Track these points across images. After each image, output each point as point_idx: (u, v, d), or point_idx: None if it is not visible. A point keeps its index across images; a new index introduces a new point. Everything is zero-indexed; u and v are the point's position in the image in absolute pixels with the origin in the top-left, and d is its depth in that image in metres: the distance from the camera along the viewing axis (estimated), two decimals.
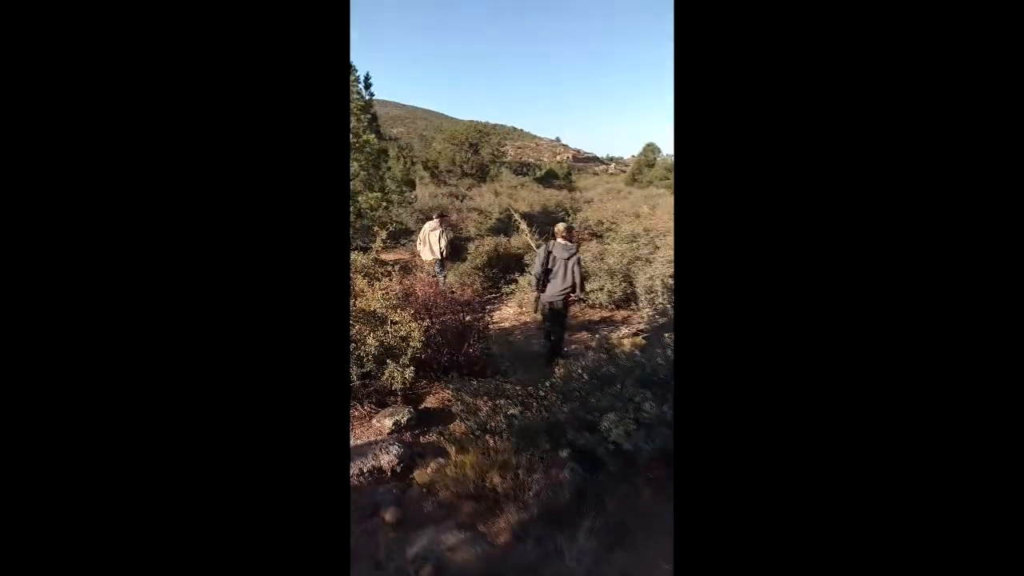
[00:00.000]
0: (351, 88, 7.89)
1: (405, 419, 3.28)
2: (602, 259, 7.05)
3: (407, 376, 3.26)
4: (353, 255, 3.76)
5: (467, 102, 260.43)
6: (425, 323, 3.36)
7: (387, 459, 2.73)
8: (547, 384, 2.88)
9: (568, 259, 4.42)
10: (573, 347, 5.55)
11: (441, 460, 2.79)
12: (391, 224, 7.57)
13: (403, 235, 8.97)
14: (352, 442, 2.93)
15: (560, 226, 4.65)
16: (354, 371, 3.37)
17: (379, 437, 3.08)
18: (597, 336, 5.55)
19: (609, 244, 7.60)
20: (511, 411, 2.65)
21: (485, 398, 2.72)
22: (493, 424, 2.52)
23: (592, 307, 7.04)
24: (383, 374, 3.42)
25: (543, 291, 4.52)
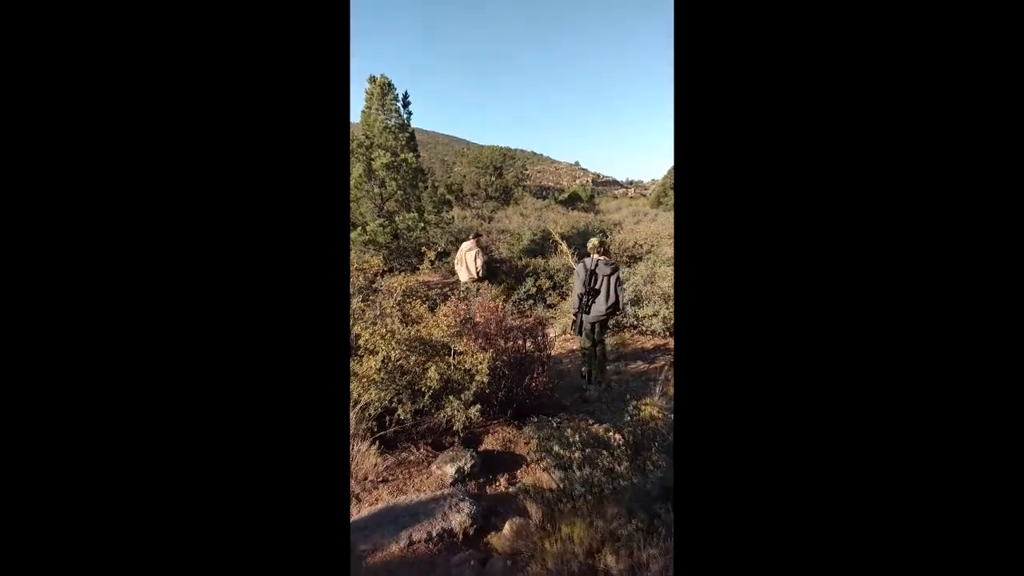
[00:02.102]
0: (391, 108, 7.67)
1: (468, 466, 2.83)
2: (652, 282, 6.59)
3: (472, 415, 2.82)
4: (398, 277, 3.38)
5: (486, 127, 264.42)
6: (489, 353, 2.93)
7: (458, 519, 2.27)
8: (638, 430, 2.42)
9: (610, 276, 4.17)
10: (630, 378, 5.07)
11: (519, 519, 2.33)
12: (433, 245, 7.21)
13: (436, 257, 8.64)
14: (414, 497, 2.49)
15: (595, 241, 4.32)
16: (408, 407, 2.95)
17: (442, 489, 2.63)
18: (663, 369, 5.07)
19: (657, 267, 7.13)
20: (609, 462, 2.19)
21: (577, 446, 2.26)
22: (595, 480, 2.06)
23: (643, 334, 6.56)
24: (440, 411, 2.99)
25: (587, 312, 4.20)
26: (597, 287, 4.16)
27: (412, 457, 2.97)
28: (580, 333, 4.34)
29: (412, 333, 2.92)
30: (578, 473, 2.12)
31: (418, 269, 4.96)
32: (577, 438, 2.19)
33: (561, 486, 2.15)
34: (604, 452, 2.16)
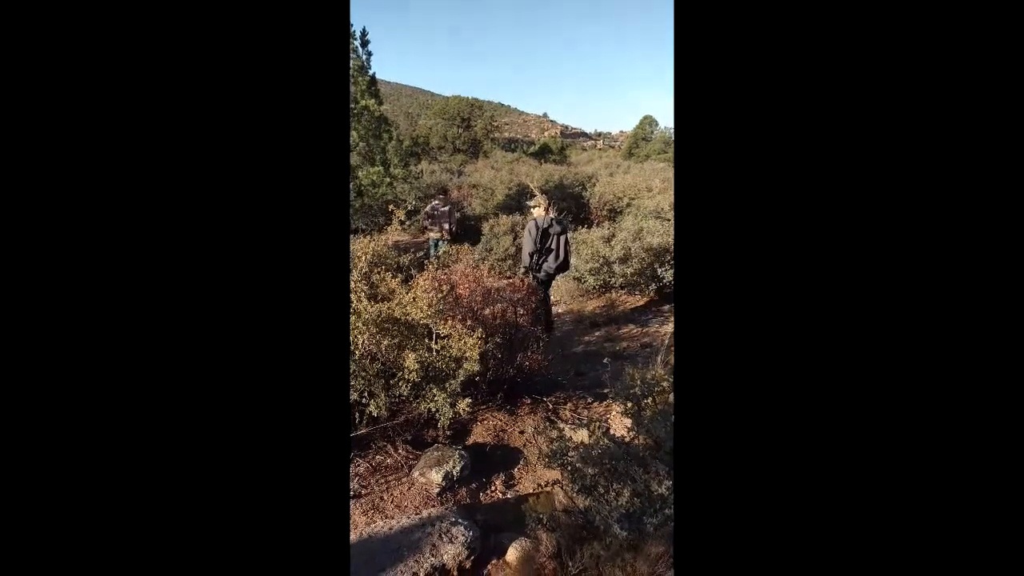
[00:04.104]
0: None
1: (458, 469, 2.37)
2: (640, 238, 6.12)
3: (462, 410, 2.33)
4: (362, 242, 2.79)
5: (450, 78, 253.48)
6: (478, 334, 2.41)
7: (452, 551, 1.81)
8: (663, 430, 1.98)
9: (560, 235, 4.19)
10: (624, 345, 4.67)
11: (526, 543, 1.89)
12: (402, 202, 6.50)
13: (406, 215, 7.94)
14: (395, 523, 2.00)
15: (543, 199, 4.32)
16: (382, 400, 2.43)
17: (428, 504, 2.16)
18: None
19: (644, 221, 6.65)
20: (644, 479, 1.74)
21: (595, 461, 1.80)
22: (633, 509, 1.60)
23: (631, 294, 6.14)
24: (421, 402, 2.49)
25: (537, 270, 4.19)
26: (550, 246, 4.17)
27: (389, 460, 2.47)
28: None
29: (384, 312, 2.37)
30: (611, 494, 1.66)
31: (385, 229, 4.40)
32: (595, 452, 1.73)
33: (584, 510, 1.70)
34: (636, 467, 1.70)
